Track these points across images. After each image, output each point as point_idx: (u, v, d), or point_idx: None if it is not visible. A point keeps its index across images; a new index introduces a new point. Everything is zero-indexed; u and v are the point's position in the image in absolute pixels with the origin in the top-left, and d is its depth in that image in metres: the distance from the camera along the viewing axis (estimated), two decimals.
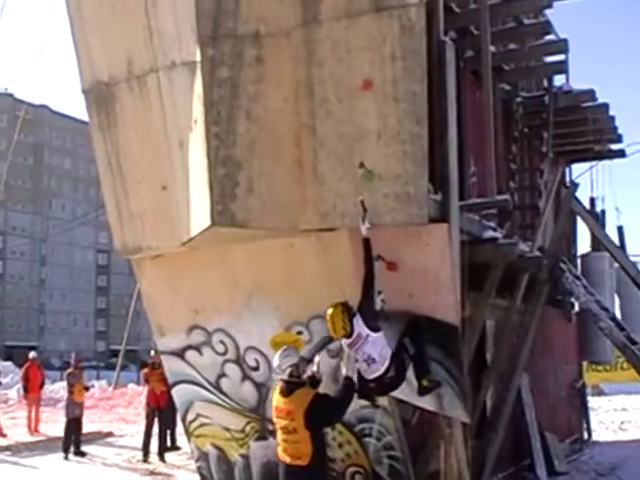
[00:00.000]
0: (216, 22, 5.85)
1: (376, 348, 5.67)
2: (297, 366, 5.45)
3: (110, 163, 6.94)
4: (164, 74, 6.25)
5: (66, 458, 11.73)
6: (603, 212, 13.36)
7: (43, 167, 76.37)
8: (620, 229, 13.48)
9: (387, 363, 5.73)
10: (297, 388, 5.37)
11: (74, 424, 12.17)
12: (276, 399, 5.50)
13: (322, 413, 5.31)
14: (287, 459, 5.38)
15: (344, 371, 5.55)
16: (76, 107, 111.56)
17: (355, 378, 5.54)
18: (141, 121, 6.55)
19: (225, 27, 5.85)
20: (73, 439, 12.05)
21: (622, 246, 12.94)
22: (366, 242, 5.71)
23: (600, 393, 22.20)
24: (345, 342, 5.69)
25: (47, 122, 75.31)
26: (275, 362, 5.55)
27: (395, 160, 5.98)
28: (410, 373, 6.17)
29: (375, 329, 5.68)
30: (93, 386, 12.80)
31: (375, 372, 5.73)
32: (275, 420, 5.50)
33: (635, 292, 11.24)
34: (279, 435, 5.46)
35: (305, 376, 5.56)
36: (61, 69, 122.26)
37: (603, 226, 13.15)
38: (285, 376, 5.45)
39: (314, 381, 5.61)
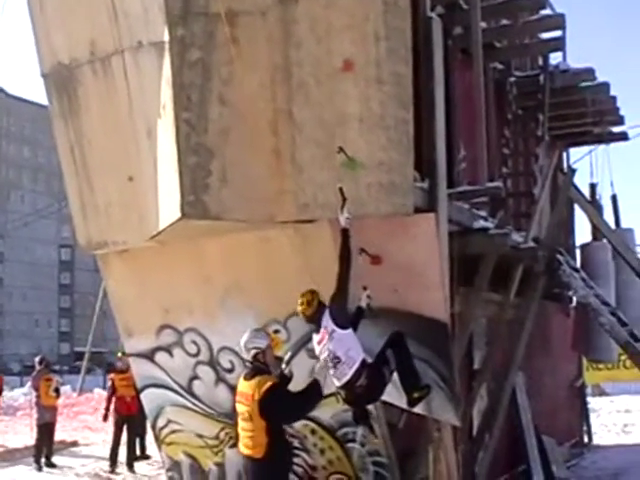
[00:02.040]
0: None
1: (342, 347, 5.67)
2: (264, 352, 5.61)
3: (73, 152, 7.00)
4: (130, 55, 6.29)
5: (39, 469, 11.80)
6: (614, 198, 13.37)
7: (0, 156, 75.28)
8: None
9: (355, 367, 5.68)
10: (259, 373, 5.52)
11: (44, 430, 12.15)
12: (240, 383, 5.68)
13: (277, 404, 5.41)
14: (243, 449, 5.57)
15: (315, 374, 5.67)
16: (35, 91, 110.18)
17: (322, 383, 5.57)
18: (106, 107, 6.61)
19: (196, 5, 5.91)
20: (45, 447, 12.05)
21: (616, 217, 13.20)
22: (344, 233, 5.73)
23: (602, 393, 22.31)
24: (315, 338, 5.80)
25: (3, 107, 74.21)
26: (242, 340, 5.69)
27: (378, 147, 6.11)
28: (397, 379, 6.20)
29: (342, 327, 5.70)
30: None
31: (343, 376, 5.71)
32: (236, 406, 5.67)
33: (633, 280, 11.47)
34: (239, 423, 5.63)
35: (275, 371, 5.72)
36: (17, 50, 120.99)
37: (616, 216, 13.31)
38: (249, 357, 5.63)
39: (284, 379, 5.73)
